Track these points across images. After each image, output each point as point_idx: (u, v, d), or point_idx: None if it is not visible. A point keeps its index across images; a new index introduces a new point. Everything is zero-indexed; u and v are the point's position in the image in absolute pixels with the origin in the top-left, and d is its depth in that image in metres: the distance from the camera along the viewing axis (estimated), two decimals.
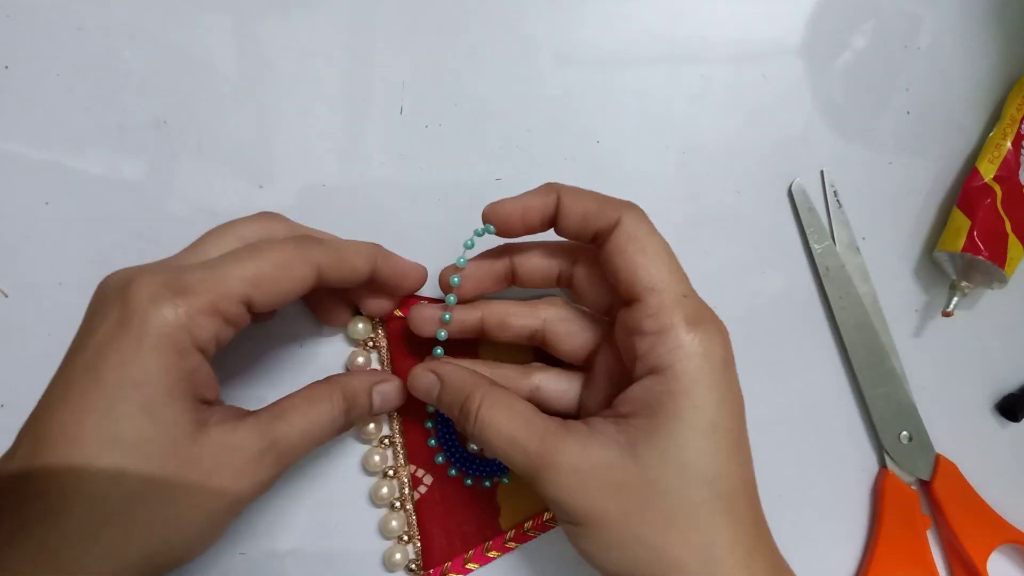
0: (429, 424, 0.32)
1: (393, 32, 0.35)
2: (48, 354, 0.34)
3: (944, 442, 0.34)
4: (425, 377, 0.29)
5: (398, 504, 0.32)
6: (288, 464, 0.26)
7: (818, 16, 0.36)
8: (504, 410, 0.26)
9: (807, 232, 0.35)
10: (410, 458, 0.33)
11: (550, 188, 0.28)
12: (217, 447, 0.24)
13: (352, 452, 0.33)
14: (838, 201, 0.35)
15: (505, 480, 0.33)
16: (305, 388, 0.28)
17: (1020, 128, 0.34)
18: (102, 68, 0.35)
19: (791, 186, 0.35)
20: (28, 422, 0.24)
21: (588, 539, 0.25)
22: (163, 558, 0.23)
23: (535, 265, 0.30)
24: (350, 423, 0.29)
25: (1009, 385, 0.35)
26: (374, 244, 0.30)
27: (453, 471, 0.32)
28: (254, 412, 0.26)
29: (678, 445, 0.24)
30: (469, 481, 0.32)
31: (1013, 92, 0.35)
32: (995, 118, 0.36)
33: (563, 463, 0.24)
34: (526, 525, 0.32)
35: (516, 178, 0.35)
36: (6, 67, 0.35)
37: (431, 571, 0.32)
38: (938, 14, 0.36)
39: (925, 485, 0.34)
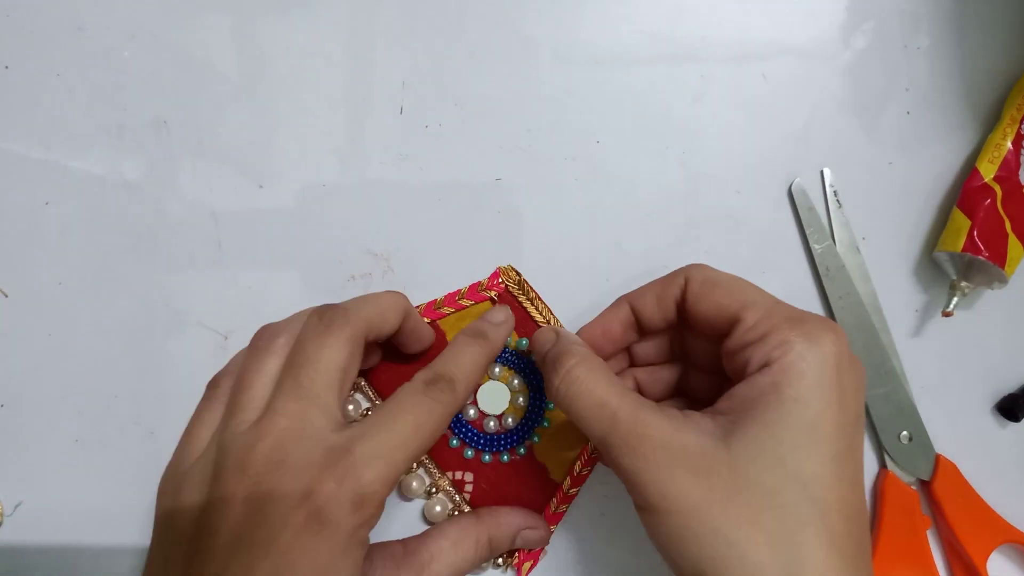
0: None
1: (393, 32, 0.35)
2: (48, 354, 0.34)
3: (944, 442, 0.34)
4: (547, 333, 0.30)
5: (456, 513, 0.32)
6: None
7: (818, 16, 0.36)
8: (601, 375, 0.26)
9: (807, 232, 0.35)
10: (443, 467, 0.33)
11: (619, 300, 0.30)
12: None
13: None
14: (838, 201, 0.35)
15: (536, 439, 0.33)
16: (453, 525, 0.29)
17: (1020, 128, 0.34)
18: (102, 68, 0.35)
19: (791, 186, 0.35)
20: None
21: (663, 527, 0.23)
22: None
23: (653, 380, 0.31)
24: (490, 557, 0.31)
25: (1009, 385, 0.35)
26: (399, 295, 0.29)
27: (487, 456, 0.33)
28: (405, 555, 0.27)
29: (775, 437, 0.23)
30: (506, 457, 0.33)
31: (1013, 92, 0.35)
32: (995, 118, 0.36)
33: (653, 435, 0.24)
34: (576, 467, 0.33)
35: (516, 178, 0.35)
36: (6, 67, 0.35)
37: (517, 555, 0.32)
38: (938, 14, 0.36)
39: (925, 485, 0.34)
